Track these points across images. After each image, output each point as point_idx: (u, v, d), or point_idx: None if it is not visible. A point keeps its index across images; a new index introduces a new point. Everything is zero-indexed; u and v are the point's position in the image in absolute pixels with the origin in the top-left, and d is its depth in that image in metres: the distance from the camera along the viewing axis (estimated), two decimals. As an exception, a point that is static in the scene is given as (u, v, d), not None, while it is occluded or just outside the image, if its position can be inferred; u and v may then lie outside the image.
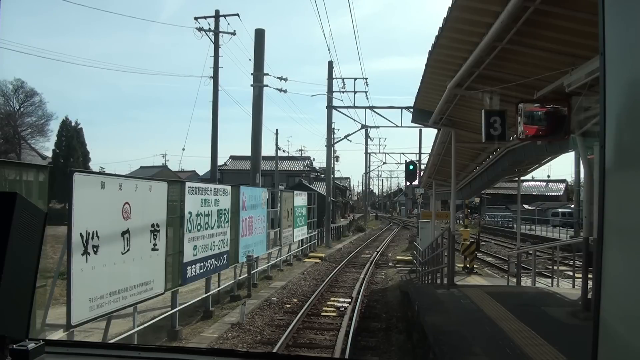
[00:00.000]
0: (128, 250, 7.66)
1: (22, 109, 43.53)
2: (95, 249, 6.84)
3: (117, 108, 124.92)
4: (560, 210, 51.91)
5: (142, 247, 8.10)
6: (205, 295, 11.07)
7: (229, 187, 12.19)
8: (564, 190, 71.77)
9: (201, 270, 10.45)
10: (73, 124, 39.57)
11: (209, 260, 10.90)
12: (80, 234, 6.45)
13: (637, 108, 0.79)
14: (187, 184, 9.74)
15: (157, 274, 8.60)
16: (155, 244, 8.48)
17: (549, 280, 14.47)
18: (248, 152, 19.82)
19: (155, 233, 8.48)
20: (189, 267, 9.83)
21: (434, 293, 9.06)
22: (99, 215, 6.93)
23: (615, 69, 0.85)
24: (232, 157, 54.66)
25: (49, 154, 39.28)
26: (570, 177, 78.25)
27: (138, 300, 8.03)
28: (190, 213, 9.82)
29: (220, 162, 55.00)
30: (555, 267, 12.04)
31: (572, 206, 54.79)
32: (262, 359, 2.24)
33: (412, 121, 10.71)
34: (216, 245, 11.28)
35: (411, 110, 25.40)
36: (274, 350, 8.30)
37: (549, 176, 71.75)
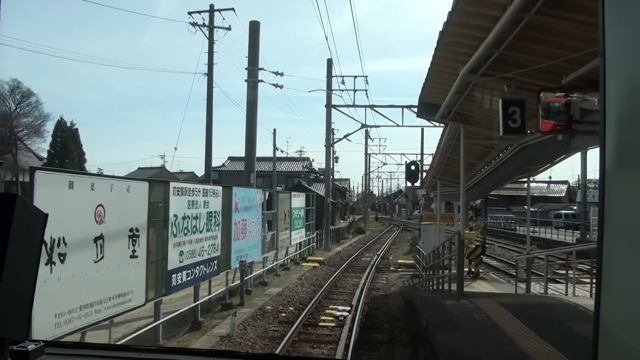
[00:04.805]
0: (102, 258, 6.85)
1: (18, 110, 42.90)
2: (61, 258, 6.04)
3: (115, 109, 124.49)
4: (562, 211, 51.16)
5: (119, 254, 7.29)
6: (194, 304, 10.25)
7: (219, 188, 11.38)
8: (565, 191, 71.06)
9: (188, 278, 9.64)
10: (68, 124, 38.90)
11: (198, 267, 10.08)
12: (44, 240, 5.64)
13: (637, 108, 0.78)
14: (172, 184, 8.93)
15: (136, 283, 7.79)
16: (134, 251, 7.67)
17: (559, 286, 13.70)
18: (245, 153, 19.04)
19: (135, 238, 7.68)
20: (174, 275, 9.02)
21: (442, 305, 8.25)
22: (66, 219, 6.11)
23: (615, 69, 0.84)
24: (230, 158, 53.93)
25: (46, 154, 38.60)
26: (571, 178, 77.56)
27: (114, 313, 7.22)
28: (175, 216, 9.02)
29: (218, 163, 54.58)
30: (570, 274, 11.20)
31: (575, 207, 54.08)
32: None
33: (418, 115, 9.89)
34: (205, 251, 10.46)
35: (412, 109, 24.76)
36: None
37: (550, 177, 70.96)
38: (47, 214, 1.20)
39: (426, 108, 8.82)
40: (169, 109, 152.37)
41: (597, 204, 0.94)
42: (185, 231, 9.44)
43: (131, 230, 7.60)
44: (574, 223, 39.12)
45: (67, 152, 37.42)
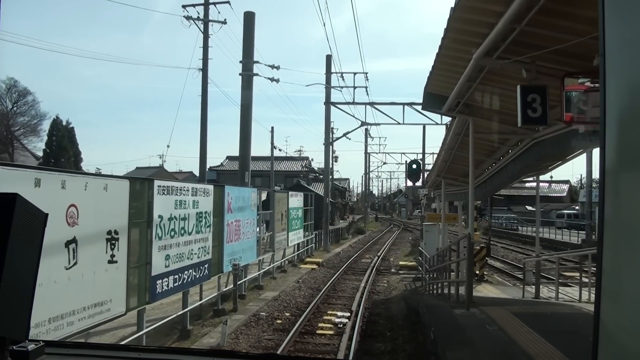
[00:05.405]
0: (75, 264, 6.18)
1: (15, 108, 42.45)
2: (26, 264, 5.35)
3: (115, 109, 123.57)
4: (565, 211, 50.55)
5: (95, 259, 6.62)
6: (182, 312, 9.56)
7: (210, 187, 10.70)
8: (567, 191, 70.46)
9: (175, 284, 8.95)
10: (64, 123, 38.33)
11: (186, 272, 9.40)
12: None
13: (637, 108, 0.78)
14: (156, 183, 8.24)
15: (115, 291, 7.11)
16: (112, 255, 6.99)
17: (567, 289, 13.03)
18: (243, 152, 18.31)
19: (113, 242, 7.00)
20: (159, 281, 8.34)
21: (451, 315, 7.54)
22: (31, 221, 5.44)
23: (615, 69, 0.84)
24: (229, 158, 53.29)
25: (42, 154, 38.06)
26: (572, 178, 76.87)
27: (90, 324, 6.55)
28: (160, 217, 8.33)
29: (217, 162, 53.94)
30: (585, 279, 10.52)
31: (577, 207, 53.37)
32: None
33: (423, 108, 9.19)
34: (195, 254, 9.78)
35: (413, 106, 24.07)
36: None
37: (551, 177, 70.30)
38: (47, 214, 1.18)
39: (432, 100, 8.13)
40: (169, 108, 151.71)
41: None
42: (172, 233, 8.75)
43: (109, 232, 6.92)
44: (576, 223, 38.46)
45: (62, 151, 36.85)
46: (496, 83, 6.84)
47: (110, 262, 6.96)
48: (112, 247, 7.00)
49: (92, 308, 6.62)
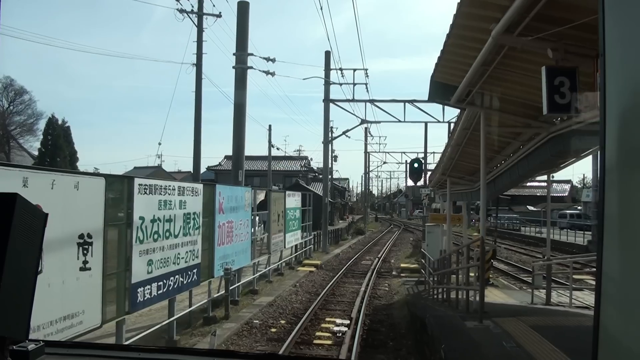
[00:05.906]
0: (39, 272, 5.44)
1: (11, 107, 41.97)
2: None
3: (114, 109, 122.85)
4: (567, 211, 49.87)
5: (64, 266, 5.91)
6: (168, 320, 8.85)
7: (199, 186, 9.97)
8: (568, 191, 69.82)
9: (160, 291, 8.24)
10: (60, 122, 37.74)
11: (172, 278, 8.68)
12: None
13: (637, 108, 0.77)
14: (137, 181, 7.52)
15: (89, 301, 6.40)
16: (85, 262, 6.28)
17: (577, 293, 12.34)
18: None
19: (86, 246, 6.29)
20: (140, 289, 7.62)
21: (462, 328, 6.80)
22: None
23: (615, 69, 0.82)
24: (227, 157, 52.53)
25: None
26: (574, 178, 76.13)
27: (59, 339, 5.83)
28: (142, 218, 7.61)
29: (216, 162, 53.16)
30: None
31: (579, 207, 52.59)
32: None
33: (429, 100, 8.45)
34: (182, 258, 9.06)
35: (414, 104, 23.37)
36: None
37: (553, 177, 69.41)
38: (47, 214, 1.17)
39: (439, 90, 7.39)
40: (168, 109, 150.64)
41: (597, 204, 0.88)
42: (155, 236, 8.03)
43: (81, 236, 6.21)
44: (580, 223, 37.74)
45: (58, 150, 36.29)
46: (513, 69, 6.12)
47: (82, 269, 6.26)
48: (85, 252, 6.29)
49: (62, 321, 5.92)
